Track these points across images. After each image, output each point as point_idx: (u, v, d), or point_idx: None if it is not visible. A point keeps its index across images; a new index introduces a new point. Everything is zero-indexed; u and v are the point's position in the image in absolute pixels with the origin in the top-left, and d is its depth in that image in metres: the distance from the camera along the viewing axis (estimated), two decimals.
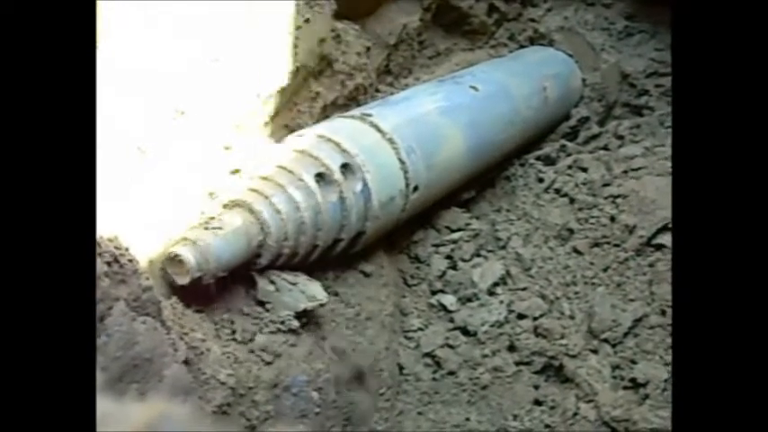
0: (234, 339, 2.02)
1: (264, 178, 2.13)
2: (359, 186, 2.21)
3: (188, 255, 1.88)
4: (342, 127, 2.32)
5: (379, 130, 2.34)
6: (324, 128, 2.30)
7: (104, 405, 0.55)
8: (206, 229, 1.97)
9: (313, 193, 2.13)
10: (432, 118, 2.55)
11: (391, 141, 2.33)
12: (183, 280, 1.90)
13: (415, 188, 2.39)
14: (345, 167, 2.20)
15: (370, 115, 2.38)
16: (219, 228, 1.97)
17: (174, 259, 1.89)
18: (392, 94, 2.77)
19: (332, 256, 2.27)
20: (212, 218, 2.03)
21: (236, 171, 2.20)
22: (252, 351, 2.03)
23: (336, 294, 2.31)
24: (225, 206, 2.08)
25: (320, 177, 2.16)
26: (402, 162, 2.34)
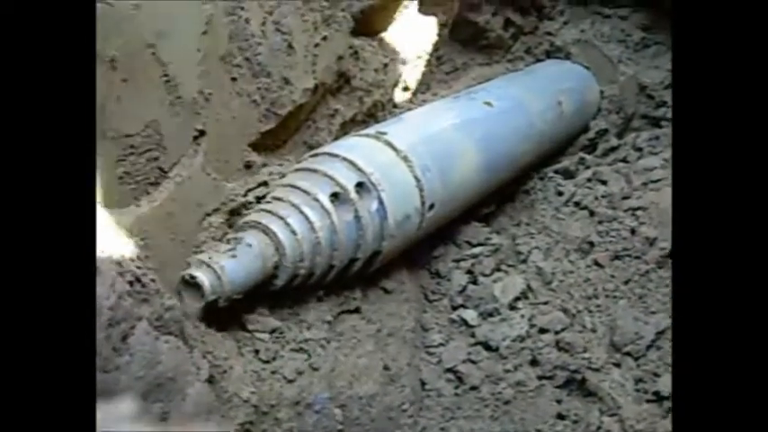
0: (257, 357, 2.02)
1: (279, 198, 2.13)
2: (374, 205, 2.20)
3: (203, 278, 1.88)
4: (356, 145, 2.31)
5: (393, 148, 2.32)
6: (338, 146, 2.29)
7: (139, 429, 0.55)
8: (220, 250, 1.97)
9: (328, 212, 2.12)
10: (446, 135, 2.54)
11: (406, 159, 2.32)
12: (197, 303, 1.89)
13: (431, 206, 2.38)
14: (360, 186, 2.19)
15: (384, 133, 2.37)
16: (234, 249, 1.97)
17: (189, 282, 1.89)
18: (410, 110, 2.77)
19: (348, 276, 2.26)
20: (227, 239, 2.03)
21: (254, 188, 2.20)
22: (274, 370, 2.03)
23: (358, 311, 2.31)
24: (240, 227, 2.08)
25: (335, 197, 2.15)
26: (417, 180, 2.32)
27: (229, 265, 1.92)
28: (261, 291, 2.06)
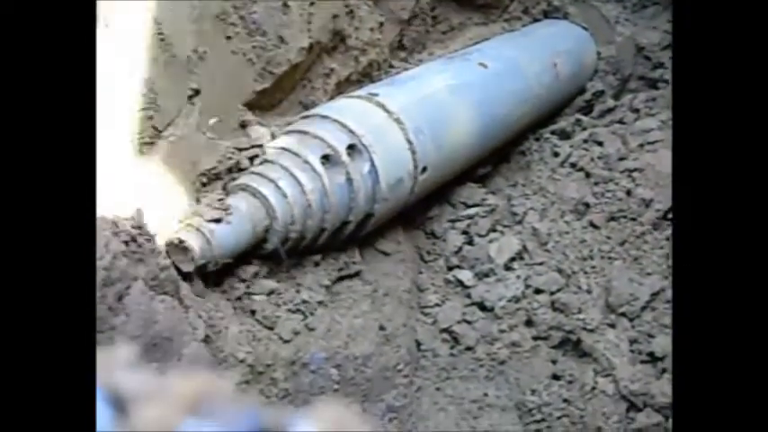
0: (253, 317, 2.02)
1: (270, 161, 2.10)
2: (366, 167, 2.18)
3: (192, 242, 1.86)
4: (348, 107, 2.28)
5: (386, 110, 2.29)
6: (329, 108, 2.27)
7: (142, 379, 0.54)
8: (211, 214, 1.95)
9: (319, 175, 2.09)
10: (440, 97, 2.51)
11: (399, 121, 2.29)
12: (187, 267, 1.88)
13: (424, 169, 2.35)
14: (352, 148, 2.16)
15: (376, 95, 2.34)
16: (224, 213, 1.95)
17: (179, 246, 1.87)
18: (406, 69, 2.75)
19: (340, 239, 2.25)
20: (218, 202, 2.01)
21: (247, 149, 2.18)
22: (271, 329, 2.03)
23: (357, 274, 2.30)
24: (230, 190, 2.06)
25: (326, 159, 2.12)
26: (410, 142, 2.30)
27: (219, 229, 1.91)
28: (252, 254, 2.05)
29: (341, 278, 2.25)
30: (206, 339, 1.83)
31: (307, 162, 2.09)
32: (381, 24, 2.76)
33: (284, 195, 2.04)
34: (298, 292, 2.12)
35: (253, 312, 2.03)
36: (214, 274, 1.96)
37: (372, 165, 2.18)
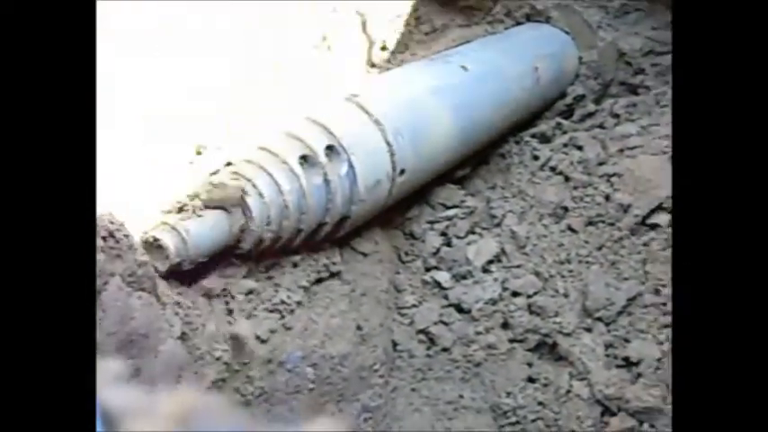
0: (230, 315, 2.02)
1: (247, 161, 2.08)
2: (344, 169, 2.16)
3: (167, 240, 1.85)
4: (327, 108, 2.26)
5: (365, 111, 2.27)
6: (309, 109, 2.24)
7: (131, 396, 0.54)
8: (186, 213, 1.93)
9: (297, 175, 2.08)
10: (420, 99, 2.49)
11: (378, 123, 2.27)
12: (162, 266, 1.86)
13: (402, 171, 2.34)
14: (330, 149, 2.15)
15: (356, 96, 2.32)
16: (200, 212, 1.93)
17: (153, 244, 1.85)
18: (388, 69, 2.75)
19: (315, 241, 2.23)
20: (193, 200, 1.98)
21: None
22: (247, 326, 2.02)
23: (335, 275, 2.30)
24: (206, 189, 2.02)
25: (304, 160, 2.10)
26: (389, 144, 2.28)
27: (194, 227, 1.89)
28: (227, 253, 2.04)
29: (319, 279, 2.25)
30: (182, 336, 1.83)
31: (285, 162, 2.08)
32: (364, 24, 2.77)
33: (261, 195, 2.02)
34: (276, 291, 2.11)
35: (230, 311, 2.03)
36: (192, 272, 1.95)
37: (350, 166, 2.17)
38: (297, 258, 2.20)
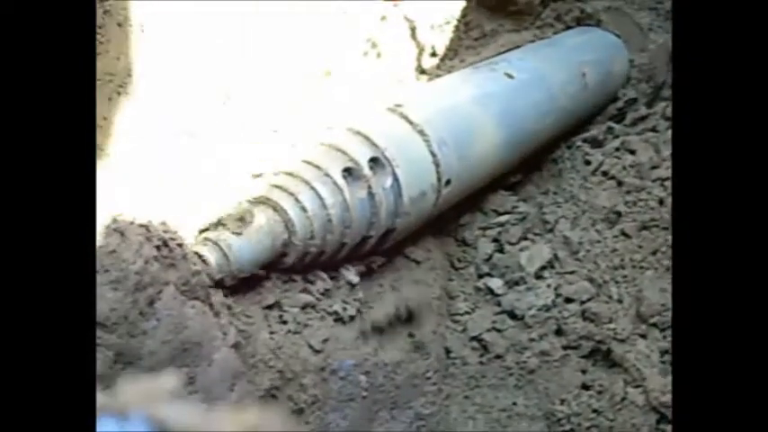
0: (283, 324, 2.02)
1: (290, 174, 2.06)
2: (388, 181, 2.12)
3: (209, 256, 1.84)
4: (370, 118, 2.23)
5: (409, 121, 2.24)
6: (352, 120, 2.21)
7: (190, 413, 0.54)
8: (229, 227, 1.91)
9: (340, 189, 2.05)
10: (464, 108, 2.45)
11: (422, 133, 2.23)
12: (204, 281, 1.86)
13: (448, 182, 2.29)
14: (374, 161, 2.11)
15: (400, 105, 2.28)
16: (242, 227, 1.91)
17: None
18: (437, 76, 2.74)
19: (360, 254, 2.21)
20: (236, 215, 1.96)
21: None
22: (300, 335, 2.03)
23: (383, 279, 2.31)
24: (249, 203, 2.00)
25: (348, 172, 2.07)
26: (433, 155, 2.24)
27: (237, 243, 1.87)
28: (271, 268, 2.03)
29: (371, 286, 2.25)
30: (236, 345, 1.84)
31: (328, 175, 2.05)
32: (414, 30, 2.77)
33: (304, 209, 2.00)
34: (330, 304, 2.11)
35: (284, 321, 2.02)
36: (245, 283, 1.95)
37: (395, 178, 2.14)
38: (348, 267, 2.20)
